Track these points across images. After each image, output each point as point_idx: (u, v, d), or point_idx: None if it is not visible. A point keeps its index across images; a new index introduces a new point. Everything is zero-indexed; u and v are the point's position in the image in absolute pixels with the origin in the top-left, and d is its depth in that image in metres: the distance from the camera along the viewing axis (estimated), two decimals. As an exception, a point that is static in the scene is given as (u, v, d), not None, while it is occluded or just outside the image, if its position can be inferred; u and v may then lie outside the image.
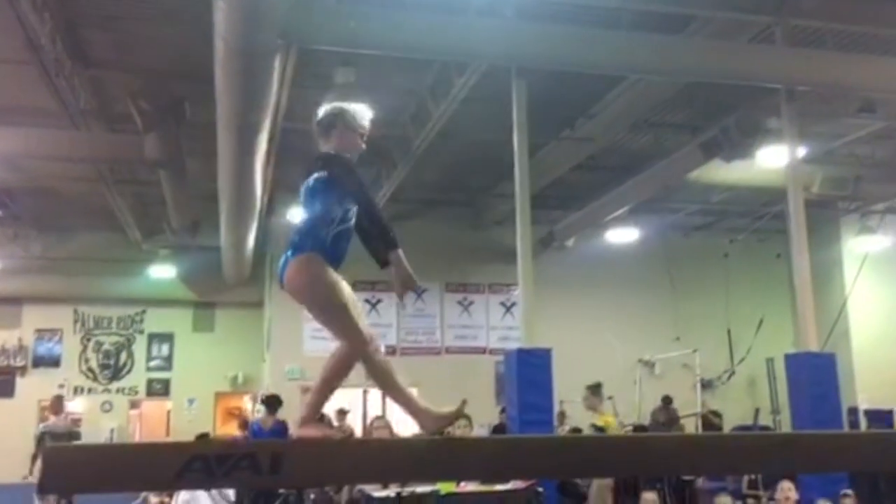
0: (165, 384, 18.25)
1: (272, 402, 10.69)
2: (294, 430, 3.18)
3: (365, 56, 8.43)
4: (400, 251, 3.18)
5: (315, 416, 3.17)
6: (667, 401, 13.82)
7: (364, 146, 3.36)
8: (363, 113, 3.38)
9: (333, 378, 3.14)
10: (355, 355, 3.13)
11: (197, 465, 2.84)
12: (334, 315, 3.11)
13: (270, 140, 10.01)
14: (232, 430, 17.91)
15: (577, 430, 13.22)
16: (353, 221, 3.18)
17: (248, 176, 10.38)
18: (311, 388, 3.22)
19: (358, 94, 9.16)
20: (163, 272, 17.21)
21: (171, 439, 15.63)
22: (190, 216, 14.27)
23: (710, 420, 13.48)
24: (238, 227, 12.99)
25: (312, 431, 3.13)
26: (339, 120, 3.32)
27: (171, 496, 8.33)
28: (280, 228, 15.26)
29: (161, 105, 9.90)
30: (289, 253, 3.12)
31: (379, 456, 3.29)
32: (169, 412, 18.37)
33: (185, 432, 15.90)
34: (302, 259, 3.05)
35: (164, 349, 18.33)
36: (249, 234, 13.61)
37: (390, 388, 3.22)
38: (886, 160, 13.40)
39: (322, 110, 3.37)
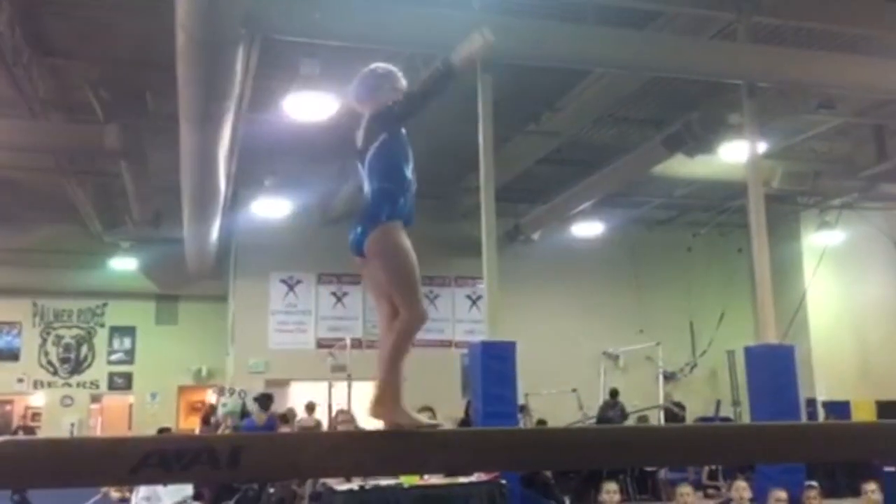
0: (127, 378, 18.04)
1: (265, 400, 11.09)
2: (387, 422, 3.09)
3: (330, 47, 8.36)
4: (452, 61, 3.23)
5: (400, 399, 3.09)
6: (614, 394, 13.98)
7: None
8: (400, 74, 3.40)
9: (401, 354, 3.12)
10: (413, 326, 3.13)
11: (153, 460, 2.80)
12: (408, 284, 3.12)
13: (234, 131, 9.90)
14: (195, 424, 17.79)
15: (542, 422, 13.35)
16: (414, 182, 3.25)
17: (211, 167, 10.27)
18: (378, 375, 3.13)
19: (323, 85, 9.12)
20: (124, 264, 16.98)
21: (132, 434, 15.46)
22: (152, 208, 14.09)
23: (673, 412, 13.67)
24: (201, 220, 12.86)
25: (407, 419, 3.07)
26: (388, 80, 3.32)
27: (131, 490, 8.24)
28: (245, 221, 15.16)
29: (122, 95, 9.77)
30: (364, 224, 3.12)
31: (342, 449, 3.27)
32: (131, 406, 18.18)
33: (147, 426, 15.74)
34: (385, 228, 3.09)
35: (126, 342, 18.12)
36: (213, 226, 13.48)
37: (396, 368, 3.12)
38: (845, 156, 13.65)
39: (368, 71, 3.34)
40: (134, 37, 9.29)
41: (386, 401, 3.08)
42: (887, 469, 9.80)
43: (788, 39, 9.42)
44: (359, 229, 3.15)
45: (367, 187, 3.21)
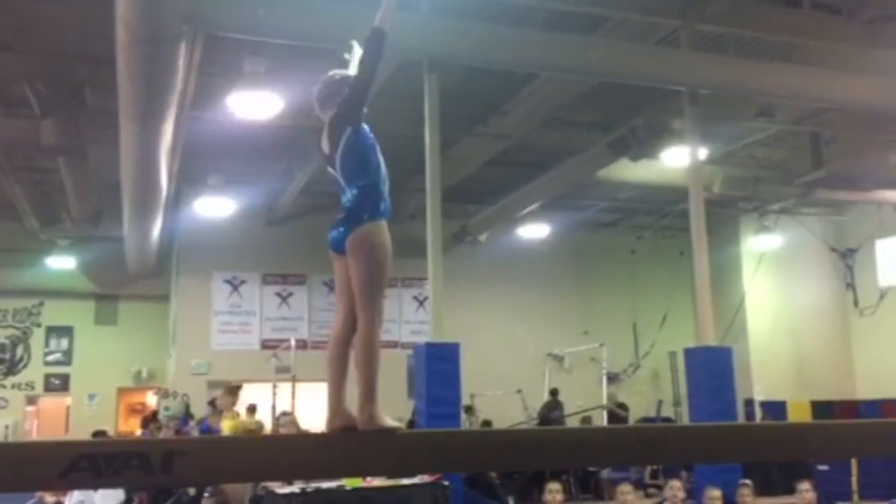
0: (65, 379, 17.58)
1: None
2: (366, 425, 3.08)
3: (275, 45, 8.27)
4: (376, 24, 3.32)
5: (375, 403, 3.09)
6: (554, 393, 14.12)
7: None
8: None
9: (374, 360, 3.14)
10: (374, 334, 3.16)
11: (83, 465, 2.72)
12: (374, 289, 3.15)
13: (176, 129, 9.72)
14: (135, 426, 17.43)
15: (488, 423, 13.41)
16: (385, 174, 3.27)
17: (153, 165, 10.07)
18: (357, 382, 3.16)
19: (268, 83, 9.02)
20: (62, 263, 16.56)
21: (69, 437, 15.07)
22: (91, 205, 13.76)
23: (616, 413, 13.84)
24: (142, 218, 12.61)
25: (388, 422, 3.08)
26: (346, 86, 3.35)
27: (65, 494, 8.03)
28: (188, 219, 14.91)
29: (60, 89, 9.51)
30: (348, 225, 3.15)
31: (281, 452, 3.23)
32: (68, 408, 17.71)
33: (85, 429, 15.32)
34: (369, 228, 3.12)
35: (64, 343, 17.66)
36: (155, 224, 13.23)
37: (371, 375, 3.13)
38: (782, 163, 14.00)
39: (329, 77, 3.40)
40: (73, 30, 9.05)
41: (367, 409, 3.07)
42: (820, 467, 10.09)
43: (730, 48, 9.62)
44: (342, 229, 3.17)
45: (345, 188, 3.21)
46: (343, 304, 3.26)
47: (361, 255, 3.13)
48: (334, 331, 3.30)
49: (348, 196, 3.20)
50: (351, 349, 3.27)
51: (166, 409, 14.83)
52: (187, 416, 13.33)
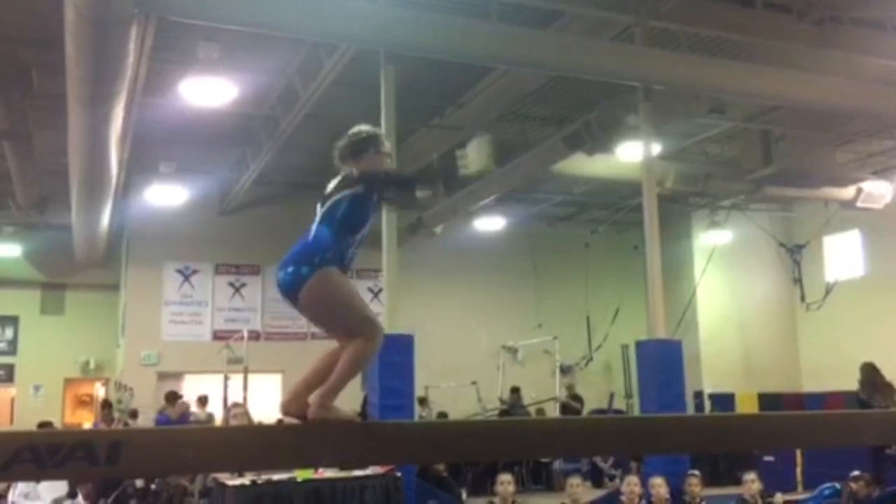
0: (9, 370, 17.16)
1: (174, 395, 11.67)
2: (319, 412, 3.07)
3: (230, 31, 8.14)
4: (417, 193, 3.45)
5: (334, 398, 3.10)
6: (515, 390, 14.23)
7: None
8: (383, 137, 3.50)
9: (357, 368, 3.12)
10: (372, 352, 3.15)
11: (26, 456, 2.65)
12: (356, 317, 3.13)
13: (127, 115, 9.53)
14: (83, 417, 17.11)
15: (443, 414, 13.42)
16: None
17: (102, 152, 9.86)
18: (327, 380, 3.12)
19: (222, 70, 8.89)
20: (7, 250, 16.18)
21: (14, 429, 14.72)
22: (37, 192, 13.45)
23: (570, 405, 13.97)
24: (90, 206, 12.34)
25: (342, 413, 3.10)
26: (372, 144, 3.35)
27: (8, 487, 7.84)
28: (138, 208, 14.64)
29: (6, 72, 9.25)
30: (304, 269, 3.05)
31: (230, 443, 3.19)
32: (13, 399, 17.28)
33: (31, 421, 14.96)
34: (325, 274, 3.04)
35: (8, 332, 17.23)
36: (103, 213, 12.96)
37: (347, 377, 3.10)
38: (733, 159, 14.24)
39: (354, 133, 3.38)
40: (19, 10, 8.80)
41: (327, 403, 3.07)
42: (766, 458, 10.32)
43: (683, 45, 9.74)
44: (290, 269, 3.08)
45: (314, 227, 3.18)
46: (333, 335, 3.25)
47: (327, 309, 3.13)
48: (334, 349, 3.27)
49: (311, 233, 3.17)
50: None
51: (119, 402, 14.61)
52: (134, 411, 13.24)
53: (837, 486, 8.34)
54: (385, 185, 3.30)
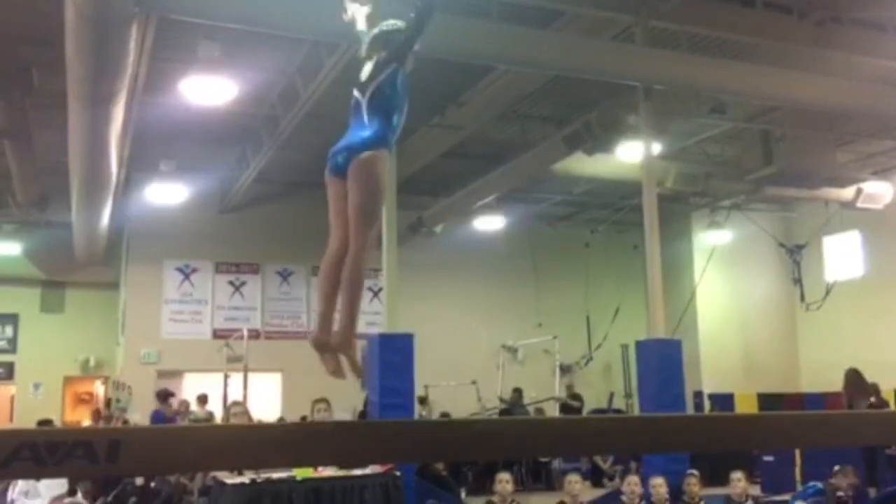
0: (9, 368, 17.17)
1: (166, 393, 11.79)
2: (342, 345, 3.18)
3: (230, 30, 8.15)
4: None
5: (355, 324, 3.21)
6: (517, 390, 14.23)
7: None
8: None
9: (361, 282, 3.23)
10: (363, 255, 3.24)
11: (25, 454, 2.65)
12: (373, 214, 3.28)
13: (127, 113, 9.53)
14: (83, 415, 17.11)
15: (446, 414, 13.43)
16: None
17: (102, 150, 9.86)
18: (339, 306, 3.22)
19: (222, 69, 8.89)
20: (7, 248, 16.18)
21: (11, 426, 14.73)
22: (38, 190, 13.44)
23: (570, 405, 13.98)
24: (91, 204, 12.35)
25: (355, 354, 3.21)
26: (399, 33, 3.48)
27: (8, 484, 7.85)
28: (139, 206, 14.65)
29: (6, 70, 9.24)
30: (356, 145, 3.23)
31: (230, 441, 3.19)
32: (13, 397, 17.29)
33: (30, 418, 14.99)
34: (377, 154, 3.22)
35: (8, 330, 17.23)
36: (104, 211, 12.97)
37: (355, 298, 3.20)
38: (734, 159, 14.24)
39: (384, 24, 3.55)
40: (19, 9, 8.80)
41: (347, 335, 3.17)
42: (766, 458, 10.32)
43: (684, 45, 9.74)
44: (345, 154, 3.25)
45: (364, 119, 3.30)
46: (338, 227, 3.33)
47: (363, 180, 3.22)
48: (329, 251, 3.34)
49: (363, 127, 3.29)
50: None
51: (118, 401, 14.63)
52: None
53: (820, 485, 8.36)
54: (404, 45, 3.39)
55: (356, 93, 3.40)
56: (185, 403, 13.33)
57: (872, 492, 8.87)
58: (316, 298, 3.39)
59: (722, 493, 8.47)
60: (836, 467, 8.12)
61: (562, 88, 11.17)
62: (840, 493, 7.79)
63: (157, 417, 12.44)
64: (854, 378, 10.13)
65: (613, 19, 9.27)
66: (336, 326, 3.22)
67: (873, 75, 10.13)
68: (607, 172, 13.09)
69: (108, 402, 14.20)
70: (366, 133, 3.27)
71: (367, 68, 3.44)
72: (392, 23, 3.58)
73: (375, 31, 3.57)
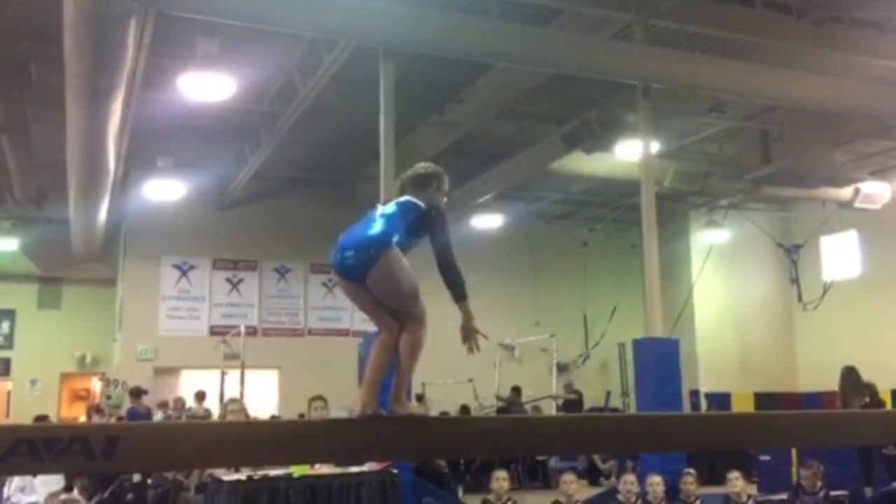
0: (5, 364, 17.15)
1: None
2: (399, 411, 3.47)
3: (229, 26, 8.13)
4: (467, 303, 3.69)
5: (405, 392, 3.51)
6: (516, 389, 14.25)
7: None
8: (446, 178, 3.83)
9: (416, 357, 3.49)
10: (423, 336, 3.51)
11: (22, 450, 2.66)
12: (415, 302, 3.49)
13: (125, 109, 9.51)
14: (79, 412, 17.09)
15: (445, 413, 13.43)
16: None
17: (100, 146, 9.84)
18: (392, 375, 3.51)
19: (221, 65, 8.87)
20: (4, 244, 16.15)
21: (8, 423, 14.71)
22: (35, 186, 13.42)
23: (570, 400, 14.03)
24: (89, 200, 12.32)
25: (415, 408, 3.51)
26: (437, 181, 3.75)
27: (4, 480, 7.83)
28: (136, 202, 14.62)
29: (4, 66, 9.22)
30: (372, 250, 3.39)
31: (226, 439, 3.20)
32: (9, 393, 17.26)
33: (27, 415, 14.97)
34: (393, 253, 3.41)
35: (5, 326, 17.21)
36: (101, 207, 12.94)
37: (411, 366, 3.48)
38: (732, 158, 14.24)
39: (423, 167, 3.79)
40: (18, 4, 8.78)
41: (401, 398, 3.46)
42: (762, 458, 10.33)
43: (683, 44, 9.73)
44: (350, 252, 3.41)
45: (378, 220, 3.51)
46: (374, 318, 3.54)
47: (386, 285, 3.41)
48: (380, 340, 3.54)
49: (373, 224, 3.48)
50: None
51: (108, 397, 14.62)
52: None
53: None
54: (440, 236, 3.64)
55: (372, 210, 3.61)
56: (181, 401, 13.32)
57: (868, 491, 8.89)
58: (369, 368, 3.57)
59: (718, 492, 8.48)
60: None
61: (561, 86, 11.16)
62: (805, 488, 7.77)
63: (133, 414, 12.47)
64: (850, 376, 10.11)
65: (613, 17, 9.27)
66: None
67: (872, 75, 10.13)
68: (606, 171, 13.08)
69: (94, 408, 14.22)
70: (372, 233, 3.43)
71: (397, 201, 3.64)
72: (430, 167, 3.78)
73: (409, 173, 3.77)
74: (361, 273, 3.37)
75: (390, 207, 3.59)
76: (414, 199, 3.60)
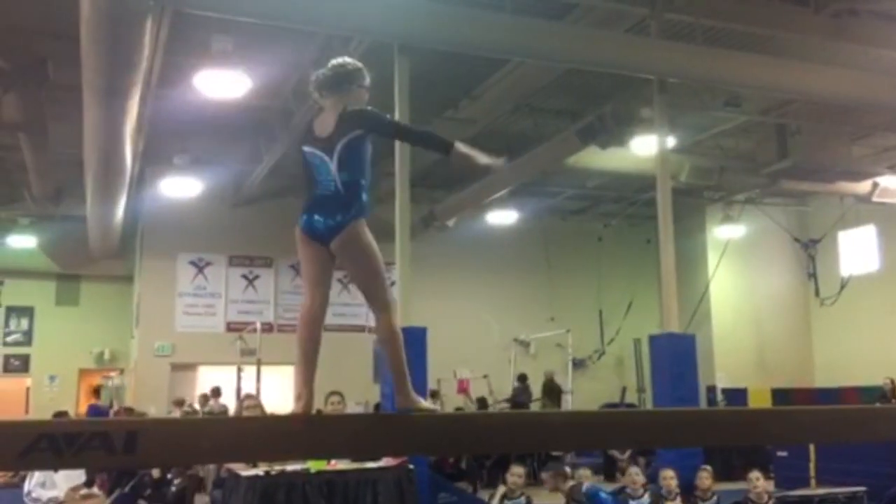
0: (25, 360, 17.30)
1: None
2: (404, 405, 3.31)
3: (244, 24, 8.15)
4: (458, 145, 3.33)
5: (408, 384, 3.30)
6: (523, 379, 14.23)
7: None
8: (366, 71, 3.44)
9: (401, 345, 3.26)
10: (394, 322, 3.27)
11: (44, 445, 2.68)
12: (380, 281, 3.25)
13: (142, 107, 9.57)
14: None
15: (459, 409, 13.46)
16: None
17: (117, 144, 9.90)
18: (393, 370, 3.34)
19: (236, 62, 8.91)
20: (22, 242, 16.29)
21: (29, 418, 14.86)
22: (53, 183, 13.53)
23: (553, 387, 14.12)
24: (106, 197, 12.40)
25: (424, 403, 3.36)
26: (357, 78, 3.34)
27: (17, 474, 7.92)
28: (153, 199, 14.71)
29: (22, 64, 9.29)
30: (338, 217, 3.15)
31: (244, 434, 3.21)
32: (28, 389, 17.43)
33: (46, 410, 15.12)
34: (359, 224, 3.16)
35: (24, 323, 17.36)
36: (118, 204, 13.03)
37: (401, 356, 3.28)
38: (748, 153, 14.16)
39: (342, 62, 3.37)
40: (35, 2, 8.84)
41: (404, 391, 3.28)
42: (779, 454, 10.28)
43: (699, 38, 9.68)
44: (320, 217, 3.17)
45: (333, 175, 3.17)
46: (313, 287, 3.28)
47: (359, 254, 3.19)
48: (304, 311, 3.31)
49: (334, 183, 3.17)
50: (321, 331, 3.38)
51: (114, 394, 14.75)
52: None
53: None
54: (389, 132, 3.38)
55: (310, 149, 3.23)
56: (204, 397, 13.40)
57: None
58: (295, 366, 3.38)
59: (734, 488, 8.44)
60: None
61: (575, 81, 11.12)
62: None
63: (92, 411, 12.62)
64: None
65: (628, 11, 9.22)
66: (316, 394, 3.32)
67: (890, 68, 10.03)
68: (621, 166, 13.04)
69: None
70: (339, 197, 3.15)
71: (324, 121, 3.25)
72: (348, 63, 3.36)
73: (322, 70, 3.36)
74: (330, 237, 3.17)
75: (331, 156, 3.15)
76: (358, 132, 3.16)
